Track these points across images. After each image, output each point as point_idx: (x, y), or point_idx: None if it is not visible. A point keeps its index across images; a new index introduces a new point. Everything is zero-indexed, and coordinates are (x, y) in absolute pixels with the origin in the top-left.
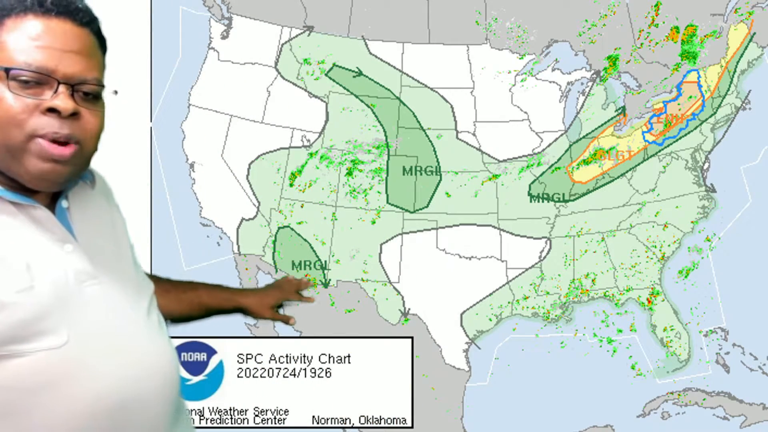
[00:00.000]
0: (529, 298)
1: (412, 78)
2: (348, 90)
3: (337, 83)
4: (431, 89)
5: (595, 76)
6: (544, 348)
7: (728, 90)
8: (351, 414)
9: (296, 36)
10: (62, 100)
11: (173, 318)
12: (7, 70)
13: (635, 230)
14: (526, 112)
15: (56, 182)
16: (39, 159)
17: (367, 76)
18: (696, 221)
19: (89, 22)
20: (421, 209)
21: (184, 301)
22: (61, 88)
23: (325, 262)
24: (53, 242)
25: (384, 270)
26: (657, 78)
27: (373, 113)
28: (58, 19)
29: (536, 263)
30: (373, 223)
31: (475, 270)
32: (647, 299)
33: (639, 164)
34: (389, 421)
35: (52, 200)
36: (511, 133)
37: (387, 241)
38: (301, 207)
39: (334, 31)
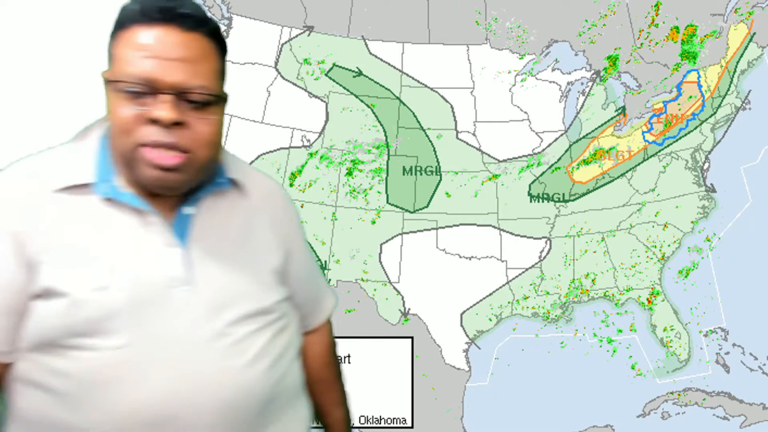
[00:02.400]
0: (529, 298)
1: (412, 78)
2: (348, 90)
3: (337, 83)
4: (431, 89)
5: (595, 76)
6: (544, 348)
7: (728, 90)
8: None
9: (296, 36)
10: (164, 110)
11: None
12: (115, 83)
13: (635, 230)
14: (526, 112)
15: (169, 188)
16: (146, 166)
17: (367, 76)
18: (696, 221)
19: (198, 26)
20: (421, 209)
21: (321, 411)
22: (164, 98)
23: (325, 262)
24: (158, 246)
25: (384, 270)
26: (657, 78)
27: (373, 113)
28: (164, 26)
29: (536, 263)
30: (373, 223)
31: (475, 270)
32: (647, 299)
33: (639, 164)
34: (389, 421)
35: (180, 204)
36: (511, 133)
37: (387, 241)
38: (302, 207)
39: (334, 31)
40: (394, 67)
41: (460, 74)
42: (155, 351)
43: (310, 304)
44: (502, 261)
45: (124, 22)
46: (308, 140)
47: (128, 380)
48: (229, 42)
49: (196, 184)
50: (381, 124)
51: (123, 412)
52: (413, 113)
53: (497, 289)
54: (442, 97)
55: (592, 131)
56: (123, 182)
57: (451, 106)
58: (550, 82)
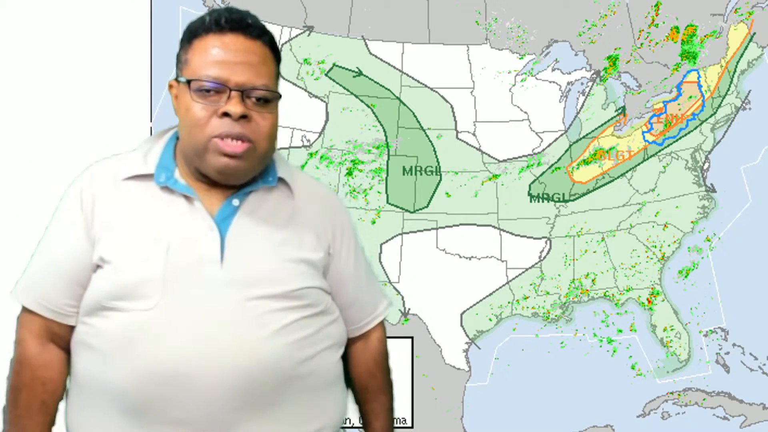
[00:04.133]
0: (529, 298)
1: (412, 78)
2: (348, 90)
3: (337, 83)
4: (431, 89)
5: (595, 76)
6: (544, 348)
7: (728, 90)
8: (350, 414)
9: (296, 36)
10: (233, 105)
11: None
12: (188, 82)
13: (635, 230)
14: (526, 112)
15: (233, 175)
16: (216, 155)
17: (367, 76)
18: (696, 221)
19: (259, 35)
20: (421, 209)
21: (364, 419)
22: (233, 95)
23: None
24: (200, 229)
25: (384, 270)
26: (657, 78)
27: (373, 113)
28: (232, 34)
29: (536, 263)
30: (373, 223)
31: (475, 270)
32: (647, 299)
33: (639, 164)
34: None
35: (230, 197)
36: (510, 133)
37: (387, 241)
38: None
39: (334, 31)
40: (394, 67)
41: (460, 74)
42: (179, 314)
43: (357, 307)
44: (502, 261)
45: (196, 31)
46: (308, 140)
47: (151, 339)
48: None
49: (248, 180)
50: (381, 124)
51: (143, 367)
52: (413, 113)
53: (497, 289)
54: (442, 97)
55: (592, 131)
56: (180, 175)
57: (451, 106)
58: (550, 82)
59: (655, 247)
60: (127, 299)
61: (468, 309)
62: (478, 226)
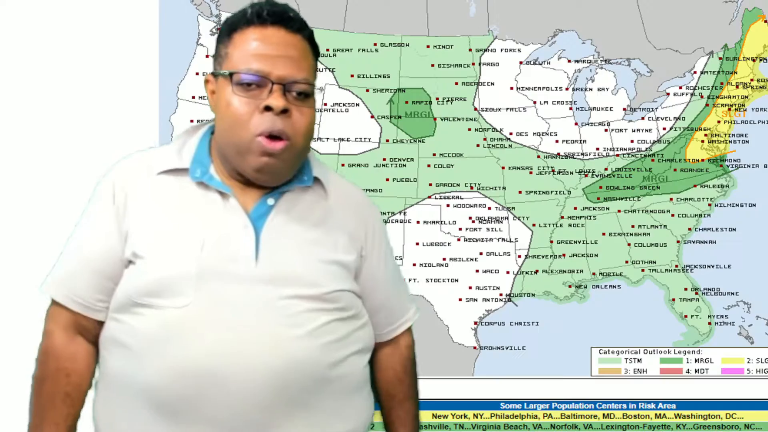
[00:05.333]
0: (542, 277)
1: (413, 69)
2: (344, 83)
3: (334, 76)
4: (433, 78)
5: (603, 62)
6: (557, 328)
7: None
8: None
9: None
10: (275, 99)
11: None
12: (231, 74)
13: (653, 207)
14: (532, 100)
15: (272, 174)
16: (258, 154)
17: (364, 70)
18: (715, 197)
19: (300, 29)
20: (422, 199)
21: (388, 427)
22: (275, 88)
23: None
24: (234, 226)
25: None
26: (668, 64)
27: (366, 108)
28: (273, 27)
29: (548, 242)
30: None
31: (485, 250)
32: (666, 276)
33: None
34: None
35: (265, 195)
36: (517, 120)
37: (389, 222)
38: None
39: (330, 25)
40: (393, 58)
41: (464, 63)
42: (213, 312)
43: (386, 312)
44: (512, 241)
45: (237, 25)
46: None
47: (185, 337)
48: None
49: (284, 180)
50: (378, 119)
51: (177, 366)
52: (413, 106)
53: (510, 269)
54: (446, 87)
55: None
56: (215, 171)
57: (456, 96)
58: (556, 69)
59: (674, 224)
60: (161, 296)
61: (477, 289)
62: (489, 207)
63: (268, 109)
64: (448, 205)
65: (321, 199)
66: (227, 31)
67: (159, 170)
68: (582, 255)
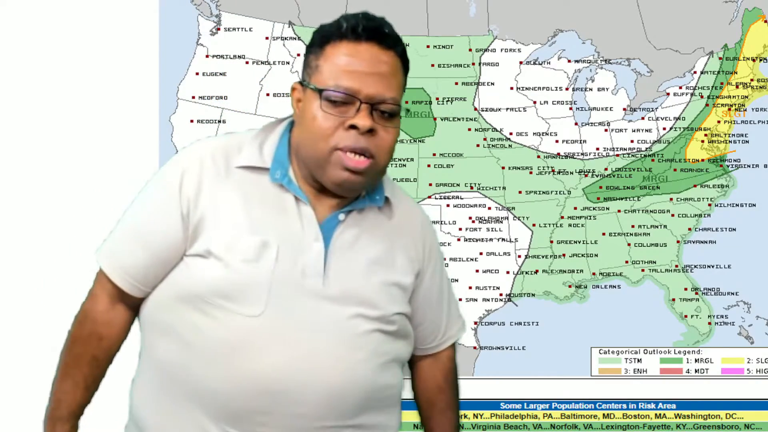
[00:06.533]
0: (542, 277)
1: (413, 68)
2: None
3: None
4: (433, 78)
5: (603, 62)
6: (557, 328)
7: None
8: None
9: (289, 30)
10: (362, 118)
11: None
12: (320, 91)
13: (653, 207)
14: (532, 100)
15: (351, 189)
16: (338, 168)
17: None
18: (715, 198)
19: (393, 45)
20: (423, 199)
21: (428, 425)
22: (362, 107)
23: None
24: (306, 236)
25: None
26: (668, 63)
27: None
28: (367, 43)
29: (549, 242)
30: None
31: (486, 249)
32: (666, 276)
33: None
34: None
35: (337, 210)
36: (518, 120)
37: None
38: None
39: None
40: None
41: (464, 63)
42: (282, 326)
43: (432, 327)
44: (513, 241)
45: (330, 37)
46: None
47: (253, 349)
48: (220, 37)
49: (359, 193)
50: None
51: (242, 377)
52: (413, 106)
53: (510, 269)
54: (446, 87)
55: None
56: (293, 174)
57: (456, 96)
58: (556, 69)
59: (674, 223)
60: (234, 301)
61: (478, 289)
62: (489, 207)
63: (353, 127)
64: (448, 205)
65: (386, 218)
66: (320, 42)
67: (239, 164)
68: (582, 255)
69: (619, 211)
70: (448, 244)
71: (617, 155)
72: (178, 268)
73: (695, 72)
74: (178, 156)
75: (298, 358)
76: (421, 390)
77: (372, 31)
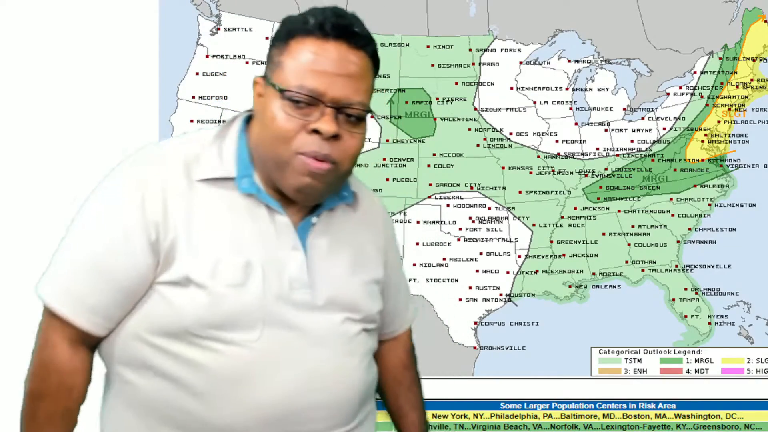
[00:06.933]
0: (542, 277)
1: (413, 68)
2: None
3: None
4: (433, 78)
5: (603, 62)
6: (557, 328)
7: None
8: None
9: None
10: (326, 123)
11: (381, 396)
12: (282, 91)
13: (653, 207)
14: (532, 100)
15: (312, 195)
16: (299, 173)
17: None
18: (715, 198)
19: (364, 45)
20: (423, 198)
21: (394, 404)
22: (327, 111)
23: None
24: (285, 247)
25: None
26: (668, 63)
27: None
28: (335, 42)
29: (549, 242)
30: None
31: (485, 250)
32: (666, 277)
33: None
34: None
35: (307, 213)
36: (517, 120)
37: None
38: None
39: None
40: (394, 59)
41: (464, 63)
42: (283, 347)
43: (395, 311)
44: (513, 241)
45: (295, 32)
46: None
47: (261, 376)
48: (220, 38)
49: (321, 200)
50: (378, 119)
51: (254, 408)
52: (413, 106)
53: (510, 269)
54: (446, 87)
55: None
56: (259, 180)
57: (456, 96)
58: (556, 69)
59: (674, 224)
60: (228, 329)
61: (477, 289)
62: (489, 207)
63: (316, 131)
64: (448, 205)
65: (351, 211)
66: (284, 36)
67: (201, 177)
68: (582, 255)
69: (619, 211)
70: (448, 244)
71: (617, 155)
72: (150, 298)
73: (695, 72)
74: (129, 171)
75: (306, 376)
76: (387, 370)
77: (341, 29)
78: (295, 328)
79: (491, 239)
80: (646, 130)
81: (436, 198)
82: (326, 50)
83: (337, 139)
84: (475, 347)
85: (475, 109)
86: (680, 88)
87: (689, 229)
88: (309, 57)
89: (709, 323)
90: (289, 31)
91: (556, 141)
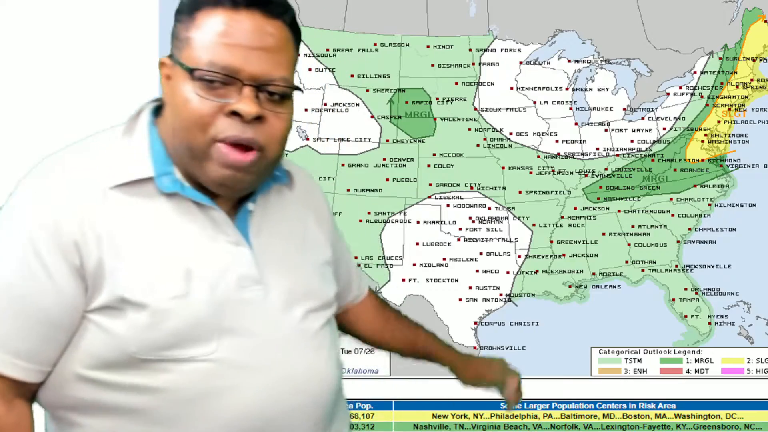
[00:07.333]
0: (542, 277)
1: (412, 68)
2: (344, 83)
3: (333, 76)
4: (433, 78)
5: (603, 62)
6: (557, 328)
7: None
8: None
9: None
10: (246, 104)
11: (383, 348)
12: (191, 71)
13: (653, 207)
14: (532, 100)
15: (235, 189)
16: (219, 165)
17: (366, 74)
18: (714, 198)
19: (281, 13)
20: (423, 198)
21: (398, 338)
22: (246, 90)
23: None
24: (225, 244)
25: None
26: (668, 63)
27: (366, 107)
28: (248, 11)
29: (548, 242)
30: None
31: (485, 249)
32: (666, 277)
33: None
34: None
35: (239, 201)
36: (517, 120)
37: (389, 223)
38: None
39: (329, 25)
40: (394, 59)
41: (464, 63)
42: (243, 355)
43: (347, 280)
44: (513, 241)
45: (202, 3)
46: (303, 130)
47: (227, 388)
48: None
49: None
50: (378, 119)
51: (228, 423)
52: (413, 106)
53: (509, 269)
54: (446, 87)
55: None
56: (180, 176)
57: (456, 96)
58: (556, 69)
59: (674, 224)
60: (179, 347)
61: (477, 289)
62: (489, 207)
63: (236, 114)
64: (448, 205)
65: (287, 192)
66: (189, 8)
67: (114, 184)
68: (582, 255)
69: (619, 211)
70: (448, 244)
71: (617, 155)
72: (86, 331)
73: (695, 72)
74: (33, 192)
75: (276, 381)
76: (374, 324)
77: None
78: (254, 331)
79: (491, 239)
80: (646, 130)
81: (436, 198)
82: (238, 21)
83: (260, 121)
84: (475, 347)
85: (475, 109)
86: (680, 88)
87: (689, 229)
88: (219, 29)
89: (709, 323)
90: (195, 2)
91: (556, 141)
